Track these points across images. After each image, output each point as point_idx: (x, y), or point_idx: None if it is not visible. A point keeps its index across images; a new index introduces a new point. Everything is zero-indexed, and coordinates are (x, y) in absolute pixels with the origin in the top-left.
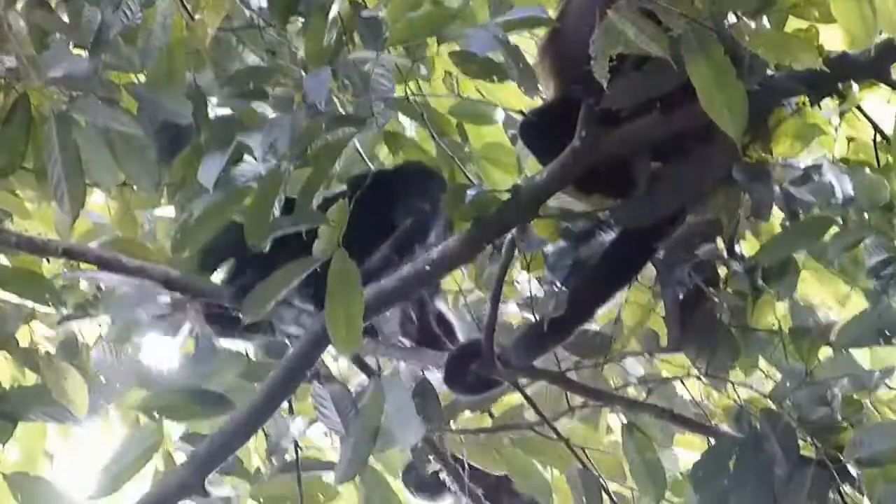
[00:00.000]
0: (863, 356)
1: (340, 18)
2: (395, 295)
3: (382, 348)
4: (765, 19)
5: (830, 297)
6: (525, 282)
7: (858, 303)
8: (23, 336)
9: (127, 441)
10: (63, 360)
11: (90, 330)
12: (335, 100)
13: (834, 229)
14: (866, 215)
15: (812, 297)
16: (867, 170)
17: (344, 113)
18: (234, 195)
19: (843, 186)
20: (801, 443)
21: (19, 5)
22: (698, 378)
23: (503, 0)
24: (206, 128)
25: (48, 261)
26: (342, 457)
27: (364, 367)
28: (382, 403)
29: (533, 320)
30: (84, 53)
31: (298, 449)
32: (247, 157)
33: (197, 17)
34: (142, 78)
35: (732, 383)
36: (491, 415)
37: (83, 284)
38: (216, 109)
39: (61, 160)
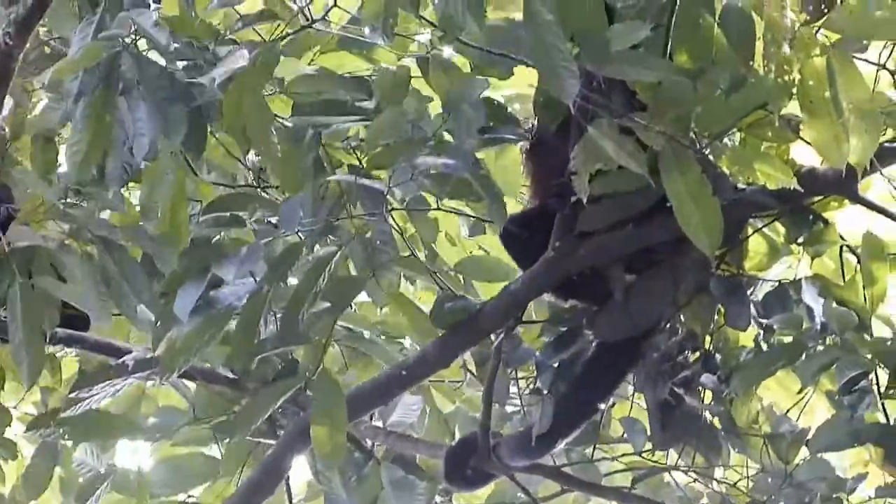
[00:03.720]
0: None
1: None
2: (372, 399)
3: (382, 435)
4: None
5: (790, 399)
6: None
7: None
8: None
9: None
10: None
11: None
12: None
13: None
14: (837, 338)
15: (773, 398)
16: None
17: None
18: (216, 320)
19: (818, 309)
20: None
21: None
22: (684, 472)
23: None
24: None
25: None
26: None
27: (359, 447)
28: (381, 479)
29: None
30: None
31: None
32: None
33: None
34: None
35: (716, 480)
36: None
37: None
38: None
39: (23, 327)
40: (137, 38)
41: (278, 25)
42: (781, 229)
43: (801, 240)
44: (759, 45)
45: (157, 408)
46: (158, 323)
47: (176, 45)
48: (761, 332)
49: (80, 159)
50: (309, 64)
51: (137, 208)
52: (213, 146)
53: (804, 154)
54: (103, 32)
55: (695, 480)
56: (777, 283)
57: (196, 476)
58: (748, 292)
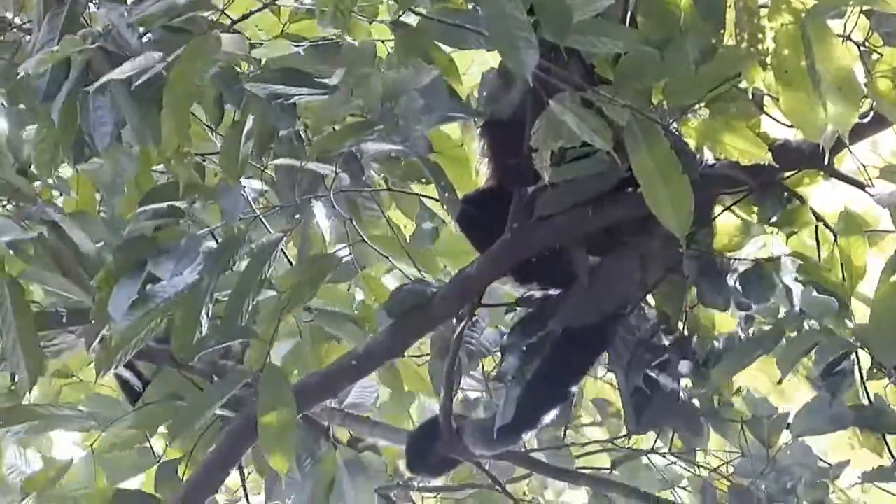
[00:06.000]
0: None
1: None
2: (321, 391)
3: (339, 417)
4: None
5: (768, 382)
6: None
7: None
8: None
9: None
10: None
11: None
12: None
13: None
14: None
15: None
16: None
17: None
18: (152, 316)
19: (796, 291)
20: None
21: None
22: (662, 455)
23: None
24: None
25: None
26: None
27: (315, 426)
28: (335, 460)
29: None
30: None
31: None
32: None
33: None
34: None
35: (697, 464)
36: None
37: None
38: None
39: (16, 325)
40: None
41: None
42: (753, 207)
43: (774, 219)
44: (731, 14)
45: (89, 396)
46: (92, 320)
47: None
48: (740, 317)
49: (48, 158)
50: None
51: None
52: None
53: (775, 128)
54: (79, 31)
55: (674, 463)
56: (754, 262)
57: (136, 469)
58: (724, 272)
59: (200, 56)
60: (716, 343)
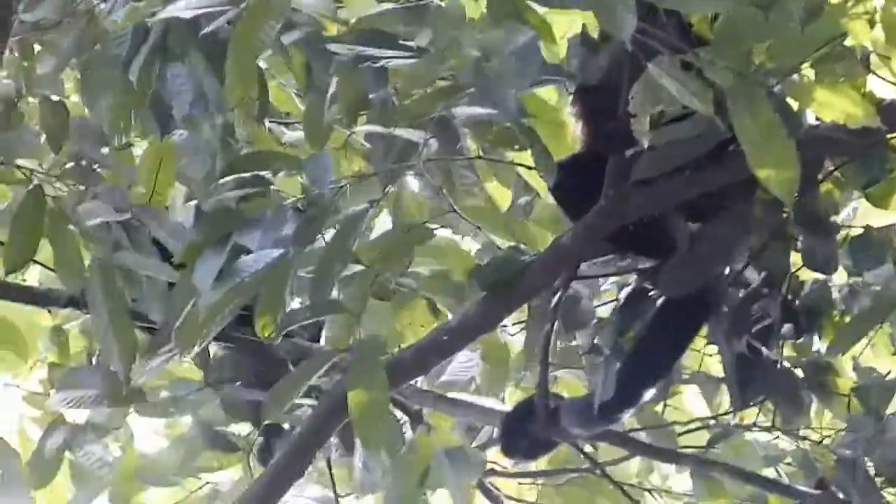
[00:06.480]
0: None
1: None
2: (412, 368)
3: (430, 399)
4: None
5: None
6: None
7: None
8: None
9: None
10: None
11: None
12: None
13: None
14: None
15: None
16: None
17: None
18: (239, 291)
19: None
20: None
21: None
22: (766, 430)
23: None
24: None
25: None
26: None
27: (405, 410)
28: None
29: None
30: None
31: None
32: None
33: None
34: None
35: (801, 437)
36: None
37: None
38: None
39: (108, 312)
40: None
41: None
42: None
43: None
44: None
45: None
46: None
47: None
48: (848, 287)
49: (122, 125)
50: None
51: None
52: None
53: (883, 88)
54: None
55: (776, 438)
56: (863, 229)
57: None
58: (831, 236)
59: (269, 10)
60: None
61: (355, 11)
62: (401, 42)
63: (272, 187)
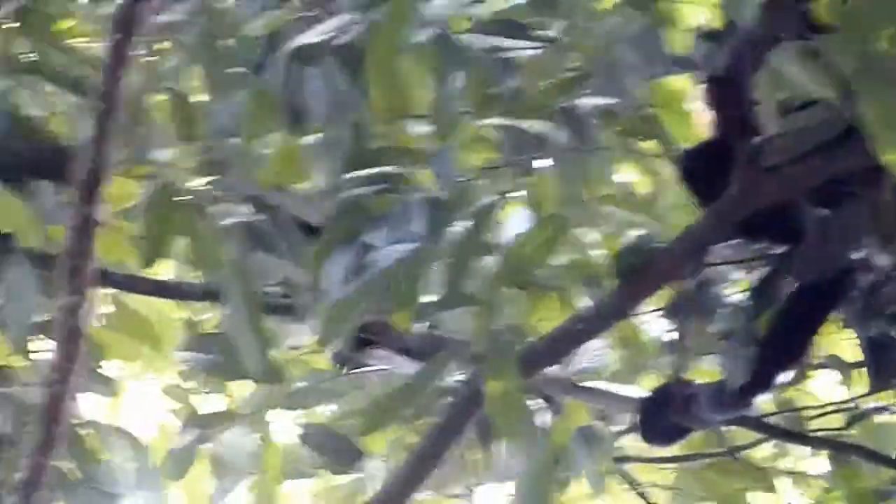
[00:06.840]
0: None
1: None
2: (546, 356)
3: (561, 388)
4: None
5: None
6: None
7: None
8: None
9: None
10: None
11: None
12: None
13: None
14: None
15: None
16: None
17: None
18: (370, 287)
19: None
20: None
21: None
22: None
23: None
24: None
25: None
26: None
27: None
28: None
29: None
30: None
31: None
32: None
33: None
34: None
35: None
36: None
37: None
38: None
39: (247, 317)
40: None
41: None
42: None
43: None
44: None
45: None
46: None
47: None
48: None
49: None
50: None
51: None
52: None
53: None
54: None
55: None
56: None
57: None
58: None
59: (404, 17)
60: None
61: (489, 7)
62: (532, 33)
63: (404, 183)
